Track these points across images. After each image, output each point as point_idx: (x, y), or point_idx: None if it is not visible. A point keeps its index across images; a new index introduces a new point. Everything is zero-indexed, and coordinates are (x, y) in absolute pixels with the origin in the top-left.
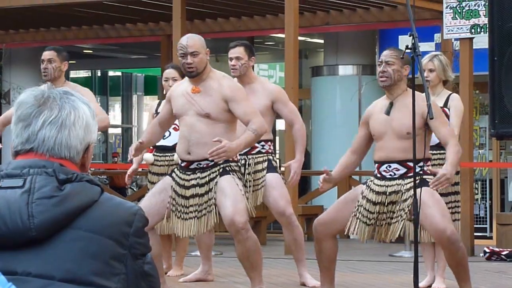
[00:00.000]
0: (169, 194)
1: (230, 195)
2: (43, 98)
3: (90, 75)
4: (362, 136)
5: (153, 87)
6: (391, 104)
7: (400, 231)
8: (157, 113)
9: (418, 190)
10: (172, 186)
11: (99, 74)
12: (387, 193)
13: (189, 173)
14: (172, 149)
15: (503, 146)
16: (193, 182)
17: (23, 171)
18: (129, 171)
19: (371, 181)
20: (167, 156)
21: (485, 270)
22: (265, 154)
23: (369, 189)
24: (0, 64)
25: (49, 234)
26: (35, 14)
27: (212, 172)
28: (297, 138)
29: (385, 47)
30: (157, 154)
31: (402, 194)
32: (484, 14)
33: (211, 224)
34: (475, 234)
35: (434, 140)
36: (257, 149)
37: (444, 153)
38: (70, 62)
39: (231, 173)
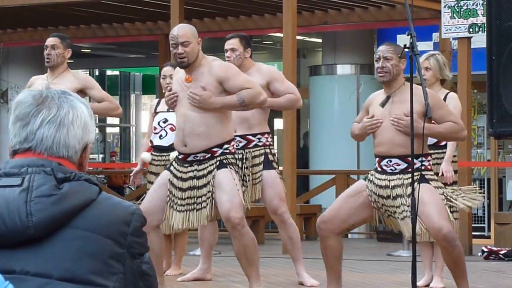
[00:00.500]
0: (168, 188)
1: (227, 190)
2: (41, 98)
3: (88, 74)
4: (361, 118)
5: (151, 86)
6: (388, 98)
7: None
8: (156, 112)
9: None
10: (169, 179)
11: (97, 73)
12: (391, 187)
13: (186, 165)
14: (168, 149)
15: (501, 146)
16: (191, 174)
17: (21, 170)
18: (133, 172)
19: (372, 175)
20: (163, 156)
21: (483, 270)
22: (262, 147)
23: (372, 183)
24: None
25: (48, 232)
26: (33, 13)
27: (210, 165)
28: (282, 97)
29: None
30: (154, 153)
31: (406, 188)
32: (482, 13)
33: (208, 217)
34: (473, 233)
35: (431, 139)
36: (254, 143)
37: (443, 152)
38: (67, 61)
39: (228, 166)
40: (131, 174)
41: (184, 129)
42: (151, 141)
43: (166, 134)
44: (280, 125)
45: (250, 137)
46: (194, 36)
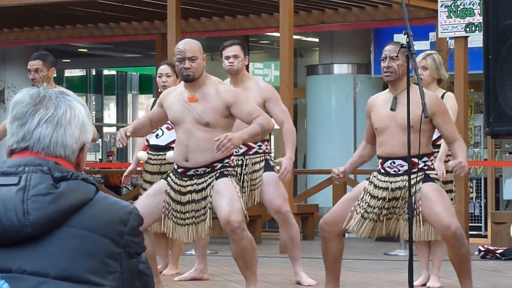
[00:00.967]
0: (164, 198)
1: (227, 195)
2: (39, 97)
3: (84, 74)
4: (370, 125)
5: (148, 85)
6: (395, 99)
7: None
8: None
9: (418, 186)
10: (166, 190)
11: (93, 73)
12: (390, 189)
13: (185, 179)
14: (165, 148)
15: (498, 145)
16: (190, 188)
17: (19, 169)
18: (126, 171)
19: (375, 176)
20: (160, 155)
21: (480, 269)
22: (262, 154)
23: (372, 184)
24: None
25: (44, 231)
26: (30, 12)
27: (209, 178)
28: (287, 137)
29: (380, 45)
30: (151, 153)
31: (407, 190)
32: (479, 12)
33: (207, 229)
34: (470, 232)
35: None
36: (254, 150)
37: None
38: (64, 61)
39: (228, 176)
40: (124, 174)
41: (188, 145)
42: (147, 140)
43: (163, 133)
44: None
45: (251, 143)
46: (201, 52)
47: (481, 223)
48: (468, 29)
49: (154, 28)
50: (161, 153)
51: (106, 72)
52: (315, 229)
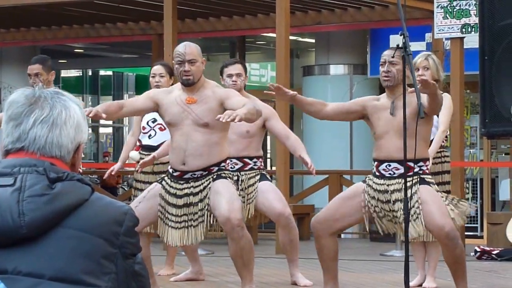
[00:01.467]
0: (158, 202)
1: (225, 194)
2: (34, 97)
3: (81, 74)
4: (347, 108)
5: (144, 86)
6: (393, 104)
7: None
8: None
9: (413, 189)
10: (161, 194)
11: (90, 73)
12: (389, 191)
13: (182, 182)
14: (156, 148)
15: (494, 146)
16: (186, 191)
17: (14, 169)
18: (113, 169)
19: (370, 179)
20: (151, 154)
21: (476, 270)
22: (257, 170)
23: (370, 187)
24: None
25: (40, 232)
26: (26, 13)
27: (206, 180)
28: (298, 145)
29: (376, 46)
30: (143, 153)
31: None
32: (475, 13)
33: (204, 232)
34: (466, 233)
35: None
36: (250, 166)
37: (441, 151)
38: (60, 61)
39: (225, 178)
40: (112, 172)
41: (186, 149)
42: (139, 141)
43: (155, 134)
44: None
45: (247, 160)
46: (200, 55)
47: (477, 223)
48: (464, 30)
49: (150, 28)
50: (153, 153)
51: (102, 72)
52: (310, 230)
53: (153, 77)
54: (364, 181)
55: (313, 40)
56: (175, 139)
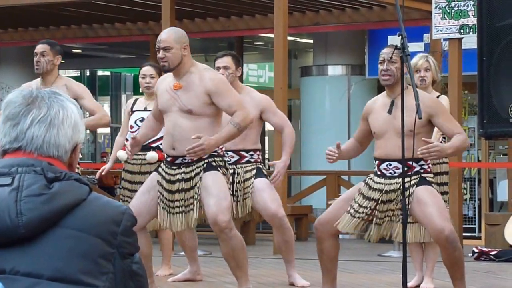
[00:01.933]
0: (157, 189)
1: (214, 193)
2: (31, 97)
3: (79, 74)
4: (363, 130)
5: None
6: (393, 103)
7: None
8: (132, 111)
9: (412, 190)
10: (158, 181)
11: (88, 73)
12: (383, 191)
13: (174, 167)
14: (144, 148)
15: (492, 146)
16: (178, 176)
17: (12, 169)
18: (102, 168)
19: (370, 178)
20: (139, 155)
21: (473, 270)
22: (254, 163)
23: (367, 186)
24: None
25: (38, 232)
26: (24, 13)
27: (197, 167)
28: (286, 141)
29: (374, 47)
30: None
31: (402, 192)
32: (473, 14)
33: (194, 220)
34: (464, 234)
35: None
36: (246, 159)
37: None
38: None
39: (216, 168)
40: (103, 173)
41: (174, 134)
42: (127, 140)
43: None
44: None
45: (243, 153)
46: (178, 41)
47: (475, 224)
48: (462, 30)
49: (148, 29)
50: (141, 153)
51: (100, 73)
52: (308, 230)
53: (143, 78)
54: (364, 180)
55: (311, 41)
56: (166, 126)
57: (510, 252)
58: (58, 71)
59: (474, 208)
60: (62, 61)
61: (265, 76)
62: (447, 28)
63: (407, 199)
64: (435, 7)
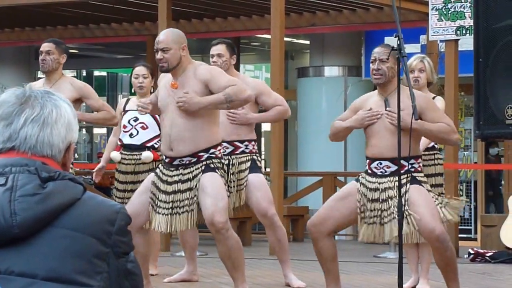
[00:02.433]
0: (151, 189)
1: (211, 194)
2: (24, 97)
3: (75, 75)
4: (349, 116)
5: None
6: (386, 101)
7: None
8: (125, 111)
9: (405, 189)
10: (154, 181)
11: (84, 74)
12: (380, 190)
13: (172, 169)
14: (139, 147)
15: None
16: (176, 178)
17: (5, 169)
18: (96, 168)
19: (363, 177)
20: (134, 155)
21: (469, 272)
22: (249, 154)
23: (365, 187)
24: None
25: (32, 232)
26: (21, 13)
27: (195, 169)
28: (271, 111)
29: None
30: (124, 152)
31: (396, 190)
32: (470, 15)
33: (192, 222)
34: (460, 235)
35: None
36: (241, 149)
37: (434, 154)
38: None
39: (214, 170)
40: (94, 170)
41: (171, 134)
42: (120, 140)
43: (138, 133)
44: (267, 127)
45: (237, 143)
46: (176, 42)
47: (471, 226)
48: (458, 32)
49: (145, 29)
50: (136, 152)
51: (96, 73)
52: (305, 231)
53: (136, 78)
54: (357, 180)
55: (307, 42)
56: (163, 125)
57: (506, 253)
58: (61, 70)
59: (470, 209)
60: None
61: (261, 77)
62: (443, 30)
63: (398, 196)
64: (432, 9)
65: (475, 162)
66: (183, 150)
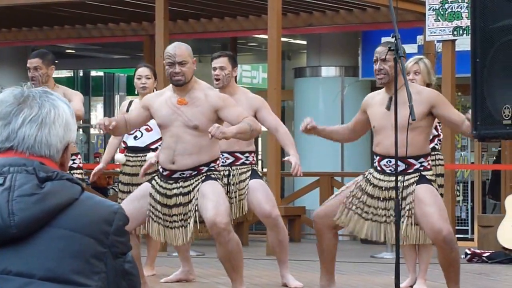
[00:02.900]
0: (148, 201)
1: (212, 198)
2: (22, 97)
3: (72, 75)
4: (358, 119)
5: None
6: (391, 99)
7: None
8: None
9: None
10: (151, 193)
11: (81, 74)
12: (384, 188)
13: (171, 182)
14: (144, 149)
15: (485, 148)
16: (176, 191)
17: (3, 169)
18: (95, 170)
19: (371, 173)
20: (139, 156)
21: (466, 272)
22: (249, 165)
23: (368, 182)
24: None
25: (30, 232)
26: (18, 13)
27: (196, 181)
28: (286, 139)
29: (368, 48)
30: (129, 154)
31: (402, 191)
32: (467, 16)
33: (193, 232)
34: (457, 235)
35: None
36: (241, 161)
37: (435, 155)
38: None
39: (214, 179)
40: (93, 172)
41: (176, 149)
42: (124, 142)
43: (142, 135)
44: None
45: (238, 154)
46: (191, 56)
47: (467, 226)
48: (455, 32)
49: (142, 29)
50: (140, 154)
51: (93, 73)
52: (302, 231)
53: (138, 79)
54: (364, 175)
55: (304, 42)
56: (165, 140)
57: (503, 254)
58: (53, 80)
59: (467, 210)
60: (56, 62)
61: (258, 77)
62: (440, 30)
63: (407, 197)
64: (429, 9)
65: (472, 163)
66: (186, 164)
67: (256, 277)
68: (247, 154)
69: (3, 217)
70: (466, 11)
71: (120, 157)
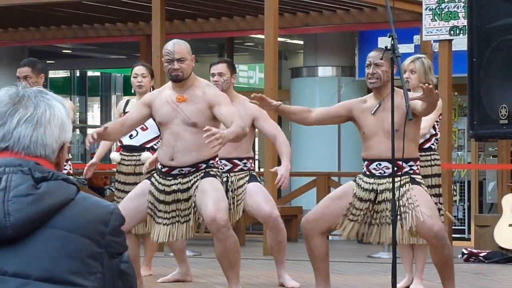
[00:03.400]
0: (147, 198)
1: (212, 195)
2: (18, 97)
3: (68, 75)
4: (336, 114)
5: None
6: (380, 105)
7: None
8: (124, 112)
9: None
10: (150, 191)
11: (78, 74)
12: (377, 191)
13: (169, 178)
14: (139, 149)
15: (481, 148)
16: (174, 187)
17: None
18: (88, 164)
19: (360, 178)
20: (134, 155)
21: (463, 272)
22: (247, 171)
23: (359, 187)
24: None
25: (26, 232)
26: (14, 13)
27: (194, 177)
28: (282, 148)
29: (364, 48)
30: (124, 153)
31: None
32: (463, 16)
33: (191, 230)
34: (453, 235)
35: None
36: (239, 167)
37: (431, 154)
38: (48, 62)
39: (213, 176)
40: (86, 166)
41: (175, 146)
42: (120, 141)
43: (137, 134)
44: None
45: (236, 161)
46: (189, 53)
47: (464, 226)
48: (452, 32)
49: (138, 29)
50: (135, 153)
51: (90, 73)
52: (298, 231)
53: (134, 77)
54: (354, 181)
55: (301, 42)
56: (164, 137)
57: (500, 253)
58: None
59: (464, 209)
60: (52, 62)
61: (255, 77)
62: (437, 30)
63: (402, 198)
64: (425, 9)
65: (469, 162)
66: (186, 160)
67: (253, 277)
68: (245, 161)
69: None
70: (463, 11)
71: (115, 155)
